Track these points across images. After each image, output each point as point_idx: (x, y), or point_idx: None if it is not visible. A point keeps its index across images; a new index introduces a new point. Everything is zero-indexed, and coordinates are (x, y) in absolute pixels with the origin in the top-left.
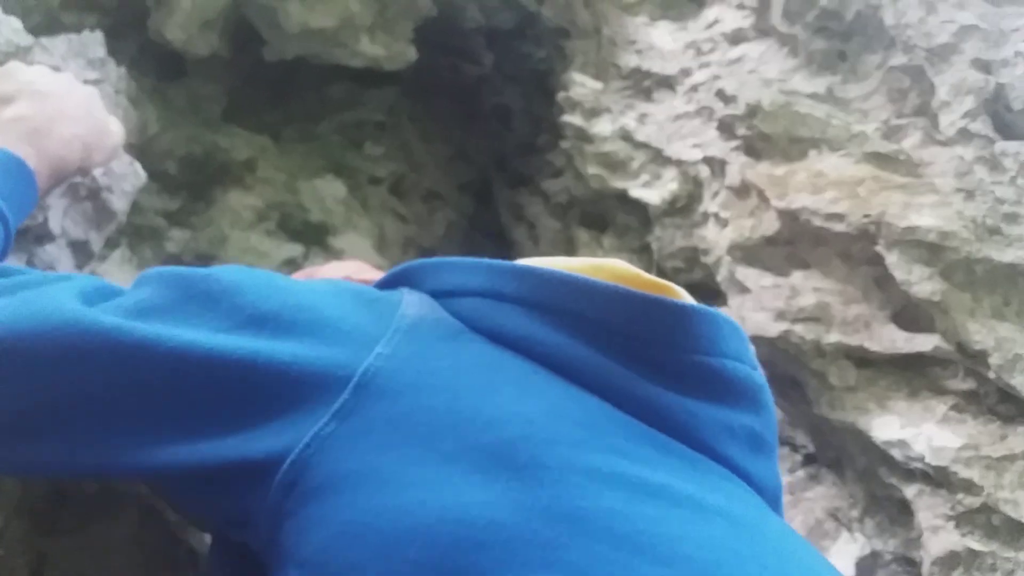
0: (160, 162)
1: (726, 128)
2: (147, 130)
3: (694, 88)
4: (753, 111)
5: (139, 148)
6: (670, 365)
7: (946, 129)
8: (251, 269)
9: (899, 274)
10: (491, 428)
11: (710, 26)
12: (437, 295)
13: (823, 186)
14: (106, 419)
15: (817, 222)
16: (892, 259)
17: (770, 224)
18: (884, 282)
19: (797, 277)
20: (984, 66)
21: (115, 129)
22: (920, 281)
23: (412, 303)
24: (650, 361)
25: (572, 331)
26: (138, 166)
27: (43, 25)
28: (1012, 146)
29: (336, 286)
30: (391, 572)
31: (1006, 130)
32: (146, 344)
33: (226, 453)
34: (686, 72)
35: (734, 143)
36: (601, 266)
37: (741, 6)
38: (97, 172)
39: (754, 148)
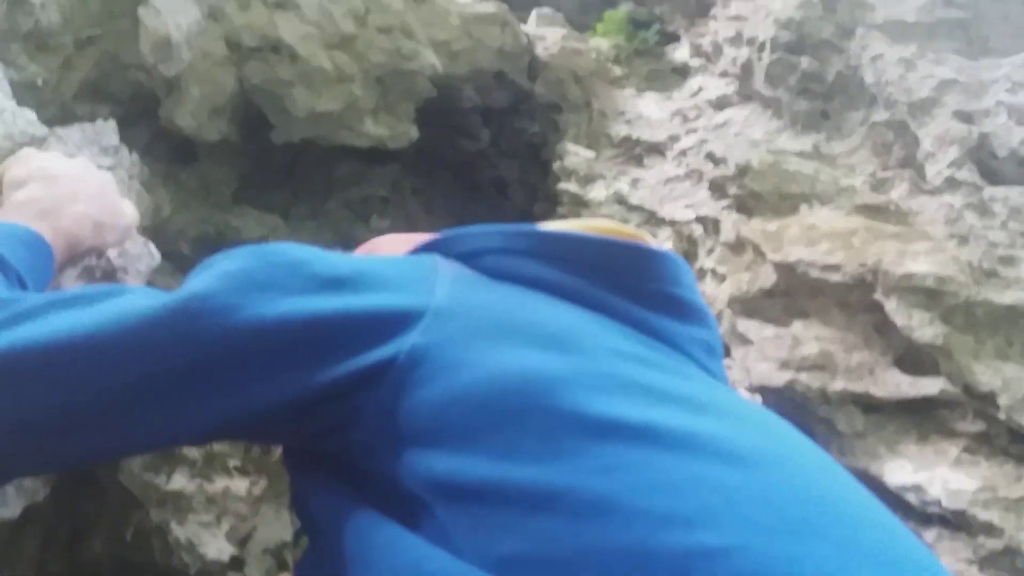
0: (174, 243)
1: (717, 188)
2: (160, 213)
3: (683, 152)
4: (743, 171)
5: (153, 230)
6: (648, 294)
7: (933, 178)
8: (301, 244)
9: (900, 320)
10: (538, 326)
11: (695, 94)
12: (460, 257)
13: (817, 238)
14: (220, 386)
15: (814, 273)
16: (891, 306)
17: (767, 277)
18: (884, 328)
19: (798, 327)
20: (966, 117)
21: (128, 211)
22: (921, 326)
23: (444, 262)
24: (634, 291)
25: (575, 272)
26: (152, 247)
27: (58, 116)
28: (1000, 192)
29: (381, 257)
30: (490, 421)
31: (993, 176)
32: (253, 318)
33: (339, 373)
34: (674, 138)
35: (725, 202)
36: (591, 224)
37: (724, 74)
38: (112, 254)
39: (746, 205)
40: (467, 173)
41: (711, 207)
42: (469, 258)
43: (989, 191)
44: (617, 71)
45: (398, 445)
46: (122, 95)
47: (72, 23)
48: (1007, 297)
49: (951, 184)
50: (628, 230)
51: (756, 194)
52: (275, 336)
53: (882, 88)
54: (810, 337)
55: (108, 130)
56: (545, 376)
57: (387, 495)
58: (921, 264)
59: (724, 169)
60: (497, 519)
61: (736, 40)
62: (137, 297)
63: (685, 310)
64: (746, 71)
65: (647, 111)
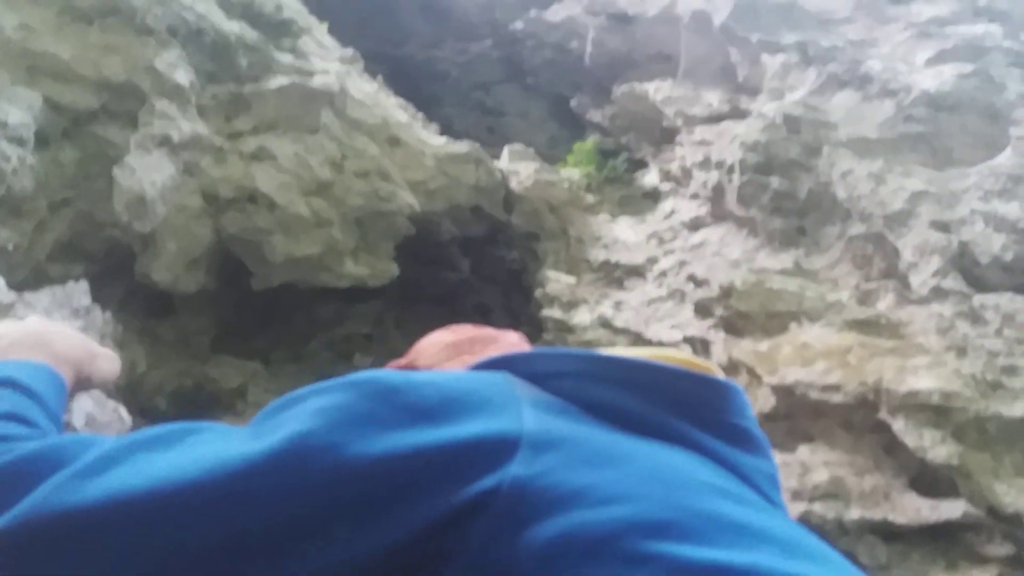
0: (150, 399)
1: (702, 309)
2: (136, 369)
3: (663, 273)
4: (727, 292)
5: (129, 388)
6: (723, 426)
7: (919, 288)
8: (384, 371)
9: (910, 440)
10: (635, 462)
11: (668, 216)
12: (531, 378)
13: (812, 358)
14: (329, 533)
15: (814, 394)
16: (899, 425)
17: (766, 400)
18: (894, 449)
19: (804, 452)
20: (943, 226)
21: (109, 353)
22: (934, 445)
23: (519, 383)
24: (711, 423)
25: (654, 402)
26: (123, 411)
27: (30, 279)
28: (990, 299)
29: (457, 376)
30: (600, 564)
31: (979, 284)
32: (358, 457)
33: (444, 507)
34: (653, 260)
35: (711, 321)
36: (661, 353)
37: (695, 196)
38: (79, 422)
39: (734, 326)
40: (449, 302)
41: (698, 327)
42: (541, 379)
43: (979, 298)
44: (590, 198)
45: None
46: (97, 252)
47: (47, 187)
48: (1017, 409)
49: (938, 293)
50: (698, 361)
51: (743, 314)
52: (381, 475)
53: (855, 202)
54: (818, 462)
55: (79, 291)
56: (651, 518)
57: None
58: (923, 380)
59: (708, 291)
60: None
61: (705, 164)
62: (223, 438)
63: (752, 442)
64: (717, 193)
65: (623, 235)
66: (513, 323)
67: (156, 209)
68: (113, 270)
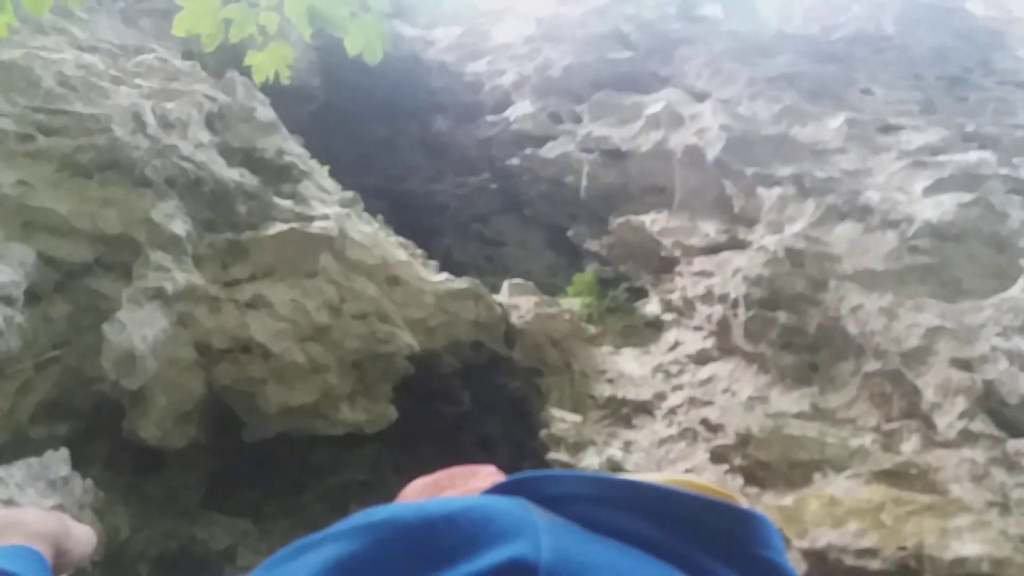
0: (132, 567)
1: (719, 456)
2: (118, 536)
3: (672, 411)
4: (745, 440)
5: (109, 556)
6: (744, 559)
7: (946, 431)
8: (397, 509)
9: None
10: None
11: (672, 348)
12: (546, 502)
13: (842, 516)
14: None
15: (849, 561)
16: None
17: (797, 566)
18: None
19: None
20: (964, 364)
21: (85, 528)
22: None
23: (534, 507)
24: (730, 555)
25: (672, 530)
26: None
27: (10, 444)
28: None
29: (472, 503)
30: None
31: (1009, 427)
32: None
33: None
34: (660, 396)
35: (727, 467)
36: (682, 479)
37: (699, 328)
38: None
39: (754, 476)
40: (450, 437)
41: (714, 472)
42: (556, 503)
43: (1012, 444)
44: (592, 329)
45: None
46: (83, 409)
47: (34, 344)
48: None
49: (968, 437)
50: (721, 489)
51: (763, 464)
52: None
53: (868, 338)
54: None
55: (57, 461)
56: None
57: None
58: (968, 545)
59: (723, 437)
60: None
61: (707, 297)
62: None
63: (776, 574)
64: (723, 327)
65: (628, 368)
66: (517, 455)
67: (146, 365)
68: (100, 427)
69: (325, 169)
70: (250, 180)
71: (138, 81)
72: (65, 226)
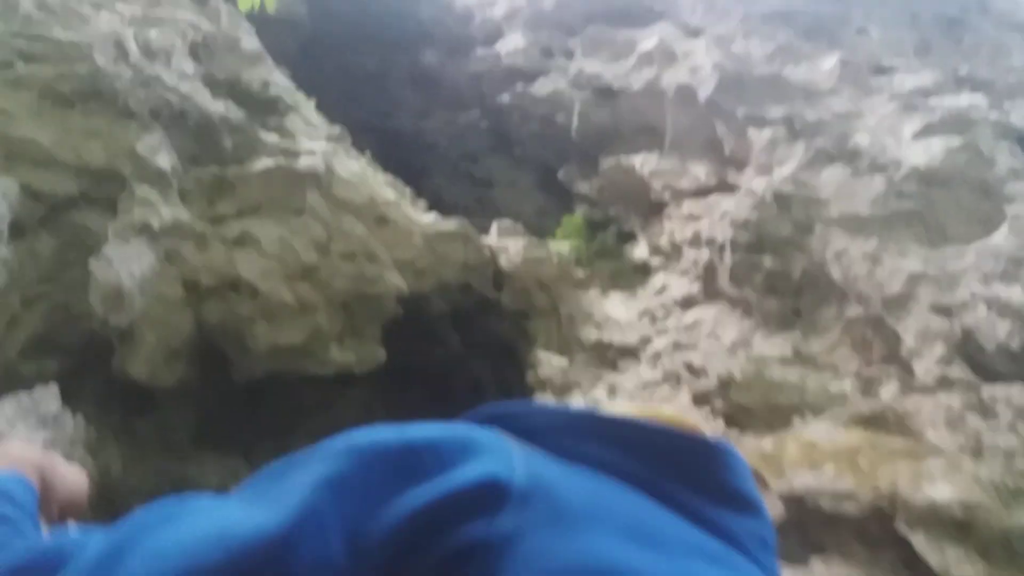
0: (125, 504)
1: (701, 399)
2: (110, 473)
3: (657, 355)
4: (726, 383)
5: (102, 494)
6: (709, 487)
7: (923, 376)
8: (379, 433)
9: (932, 558)
10: (616, 517)
11: (659, 292)
12: (520, 433)
13: (819, 460)
14: None
15: (825, 504)
16: (919, 541)
17: (775, 508)
18: (914, 564)
19: (817, 566)
20: (944, 311)
21: (74, 467)
22: (958, 563)
23: (509, 437)
24: (696, 483)
25: (639, 460)
26: None
27: (1, 379)
28: (1000, 390)
29: (450, 426)
30: None
31: (985, 372)
32: (371, 532)
33: (441, 551)
34: (646, 340)
35: (711, 412)
36: (652, 410)
37: (685, 272)
38: None
39: (735, 419)
40: (440, 380)
41: (695, 415)
42: (530, 435)
43: (988, 390)
44: (580, 273)
45: None
46: (73, 346)
47: (20, 281)
48: None
49: (944, 383)
50: (688, 420)
51: (744, 407)
52: (390, 543)
53: (851, 284)
54: None
55: (48, 396)
56: (627, 572)
57: None
58: (941, 489)
59: (705, 380)
60: None
61: (695, 241)
62: (224, 508)
63: (741, 503)
64: (709, 271)
65: (614, 312)
66: (506, 397)
67: (134, 301)
68: (90, 364)
69: (312, 103)
70: (235, 113)
71: (119, 7)
72: (48, 158)
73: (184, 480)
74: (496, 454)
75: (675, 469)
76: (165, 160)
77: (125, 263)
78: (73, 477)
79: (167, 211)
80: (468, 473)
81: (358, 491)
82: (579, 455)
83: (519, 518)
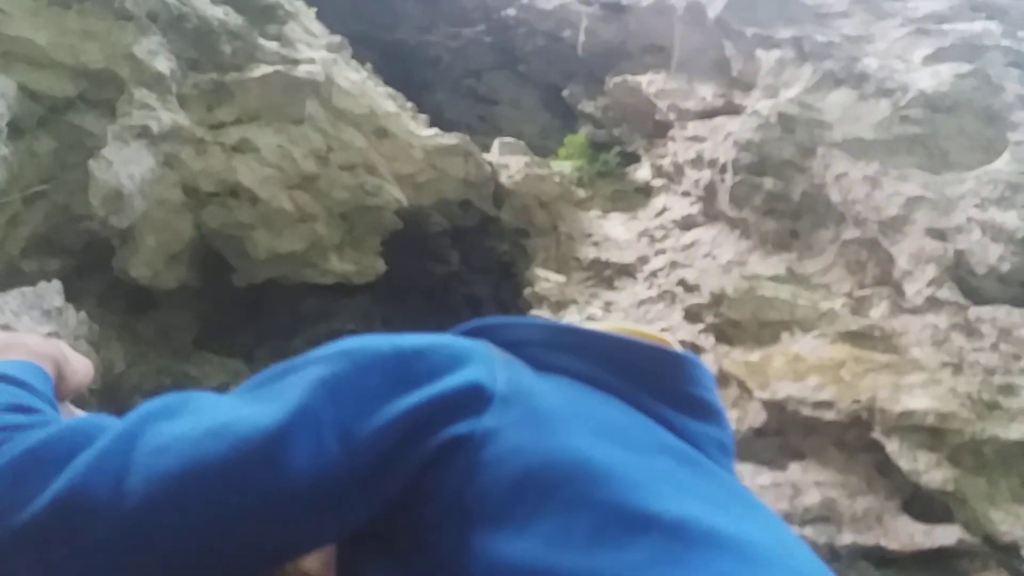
0: (128, 400)
1: (693, 315)
2: (113, 369)
3: (653, 274)
4: (718, 299)
5: (106, 389)
6: (673, 394)
7: (913, 298)
8: (374, 339)
9: (904, 463)
10: (589, 418)
11: (659, 214)
12: (504, 345)
13: (804, 371)
14: (338, 494)
15: (805, 411)
16: (893, 447)
17: (756, 415)
18: (887, 470)
19: (795, 471)
20: (939, 234)
21: (82, 358)
22: (928, 469)
23: (494, 348)
24: (661, 391)
25: (611, 370)
26: None
27: (3, 275)
28: (986, 311)
29: (440, 337)
30: (548, 506)
31: (975, 295)
32: (364, 431)
33: (428, 449)
34: (643, 259)
35: (701, 326)
36: (622, 327)
37: (687, 194)
38: None
39: (725, 334)
40: (439, 295)
41: (688, 331)
42: (511, 347)
43: (974, 311)
44: (581, 193)
45: (464, 525)
46: (74, 246)
47: (20, 178)
48: (1013, 432)
49: (933, 304)
50: (655, 334)
51: (734, 322)
52: (383, 442)
53: (849, 206)
54: (809, 483)
55: (51, 292)
56: (598, 465)
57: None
58: (919, 399)
59: (698, 297)
60: None
61: (697, 162)
62: (223, 406)
63: (703, 410)
64: (709, 192)
65: (614, 232)
66: (503, 313)
67: (134, 204)
68: (91, 264)
69: (312, 11)
70: (234, 19)
71: None
72: (45, 58)
73: (186, 379)
74: (481, 363)
75: (643, 378)
76: (163, 64)
77: (125, 165)
78: (83, 367)
79: (166, 115)
80: (455, 380)
81: (352, 393)
82: (557, 365)
83: (500, 418)
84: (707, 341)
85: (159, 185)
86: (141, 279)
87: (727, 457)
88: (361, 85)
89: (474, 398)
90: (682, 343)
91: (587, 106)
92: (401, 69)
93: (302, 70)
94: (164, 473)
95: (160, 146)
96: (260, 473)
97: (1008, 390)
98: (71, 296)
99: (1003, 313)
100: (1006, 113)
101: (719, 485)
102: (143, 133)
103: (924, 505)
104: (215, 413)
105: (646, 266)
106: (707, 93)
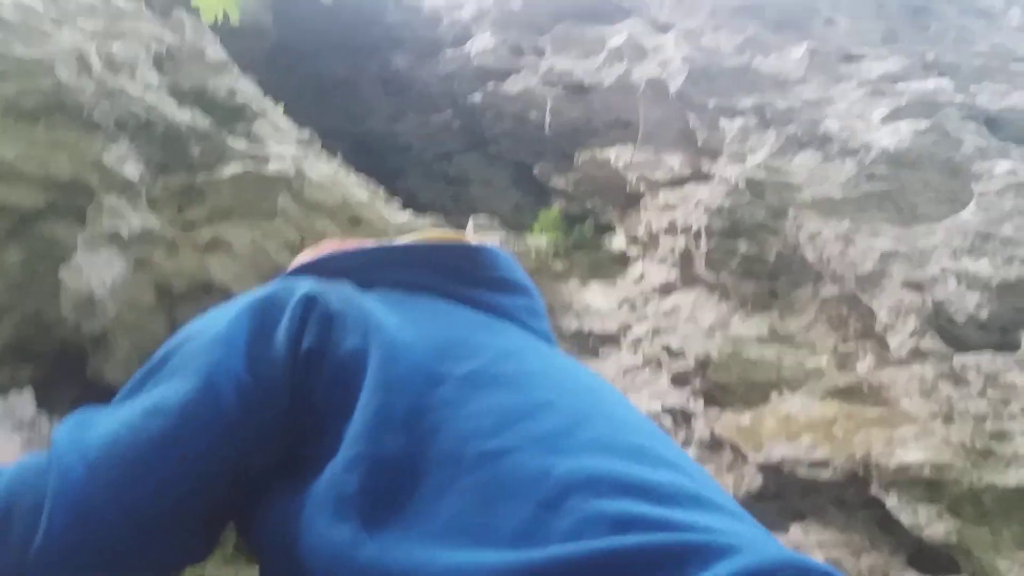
0: None
1: (680, 380)
2: None
3: (637, 341)
4: (703, 364)
5: None
6: (480, 278)
7: (897, 350)
8: (247, 295)
9: (905, 518)
10: (396, 305)
11: (638, 281)
12: (332, 274)
13: (797, 431)
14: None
15: (802, 472)
16: (892, 502)
17: (753, 479)
18: (889, 525)
19: (796, 532)
20: (916, 286)
21: None
22: (930, 523)
23: (320, 280)
24: (472, 279)
25: (424, 270)
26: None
27: None
28: (970, 359)
29: (279, 283)
30: (375, 383)
31: (957, 343)
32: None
33: (284, 352)
34: (626, 327)
35: (691, 393)
36: (427, 234)
37: (663, 260)
38: None
39: (714, 398)
40: None
41: (677, 397)
42: (339, 275)
43: (959, 359)
44: (559, 265)
45: (334, 422)
46: (47, 354)
47: None
48: (1011, 478)
49: (918, 355)
50: (455, 234)
51: (722, 386)
52: (276, 364)
53: (825, 264)
54: (812, 544)
55: (23, 402)
56: (436, 346)
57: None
58: (913, 452)
59: (683, 362)
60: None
61: (671, 229)
62: (148, 397)
63: (508, 286)
64: (685, 258)
65: (594, 302)
66: None
67: (106, 308)
68: (65, 370)
69: (280, 108)
70: (202, 121)
71: (81, 23)
72: (13, 172)
73: None
74: (308, 286)
75: (453, 271)
76: (132, 169)
77: (96, 271)
78: None
79: (136, 219)
80: (294, 305)
81: (238, 339)
82: (381, 280)
83: (323, 287)
84: (696, 406)
85: (132, 288)
86: (116, 383)
87: (537, 318)
88: (332, 176)
89: (310, 302)
90: (671, 411)
91: (558, 182)
92: (372, 158)
93: (272, 167)
94: (122, 457)
95: (131, 249)
96: (207, 417)
97: (1000, 436)
98: (45, 403)
99: (987, 360)
100: (967, 164)
101: (508, 339)
102: (114, 238)
103: (929, 558)
104: (134, 406)
105: (629, 333)
106: (675, 163)
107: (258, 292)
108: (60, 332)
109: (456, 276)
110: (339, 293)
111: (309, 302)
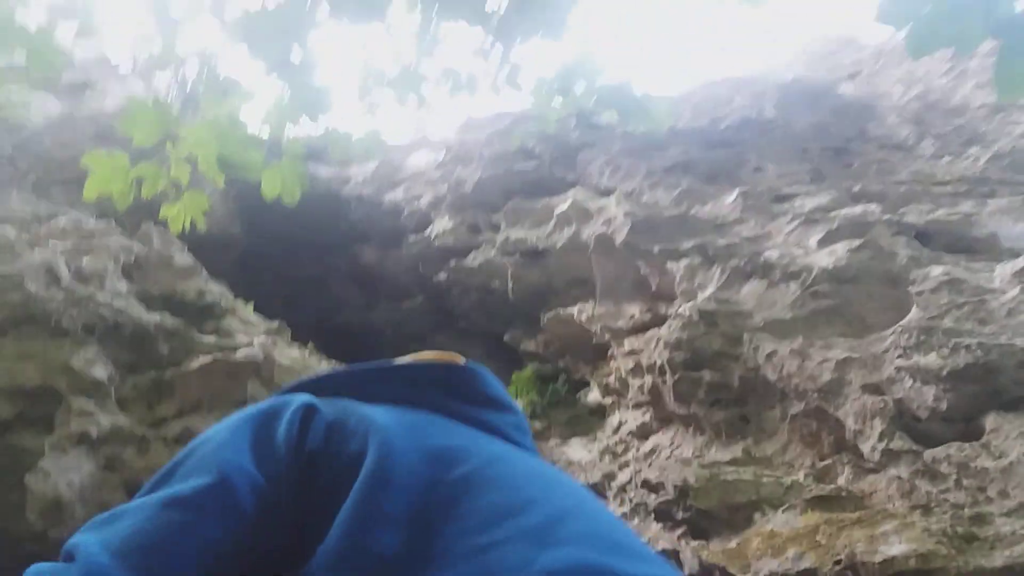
0: None
1: (664, 515)
2: None
3: (623, 488)
4: (683, 492)
5: None
6: (471, 396)
7: (871, 455)
8: (248, 411)
9: None
10: (409, 424)
11: (616, 430)
12: (332, 391)
13: (781, 546)
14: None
15: None
16: None
17: None
18: None
19: None
20: (875, 389)
21: None
22: None
23: (299, 395)
24: (463, 396)
25: (420, 388)
26: None
27: None
28: (940, 452)
29: (277, 398)
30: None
31: (926, 439)
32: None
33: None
34: (610, 476)
35: (679, 531)
36: (423, 355)
37: (637, 405)
38: None
39: (699, 528)
40: None
41: (667, 539)
42: (339, 391)
43: (930, 453)
44: (537, 425)
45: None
46: (14, 569)
47: None
48: (997, 559)
49: (891, 456)
50: (448, 355)
51: (704, 512)
52: (281, 462)
53: (787, 381)
54: None
55: None
56: (401, 447)
57: None
58: (896, 546)
59: (664, 494)
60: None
61: (636, 370)
62: (165, 491)
63: (497, 404)
64: (655, 395)
65: (576, 456)
66: None
67: (74, 511)
68: None
69: (250, 305)
70: (172, 321)
71: (52, 243)
72: None
73: None
74: (302, 397)
75: (446, 390)
76: (101, 371)
77: (63, 474)
78: None
79: (105, 419)
80: (291, 413)
81: (244, 442)
82: (379, 396)
83: (324, 406)
84: (683, 541)
85: (101, 489)
86: None
87: (524, 435)
88: (302, 360)
89: (308, 410)
90: (664, 551)
91: (529, 345)
92: (347, 346)
93: (241, 354)
94: (141, 545)
95: (101, 450)
96: (221, 507)
97: (980, 520)
98: None
99: (955, 450)
100: (905, 273)
101: (496, 446)
102: (82, 439)
103: None
104: (152, 500)
105: (614, 483)
106: (635, 310)
107: (258, 405)
108: (28, 548)
109: (449, 393)
110: (336, 403)
111: (308, 410)
